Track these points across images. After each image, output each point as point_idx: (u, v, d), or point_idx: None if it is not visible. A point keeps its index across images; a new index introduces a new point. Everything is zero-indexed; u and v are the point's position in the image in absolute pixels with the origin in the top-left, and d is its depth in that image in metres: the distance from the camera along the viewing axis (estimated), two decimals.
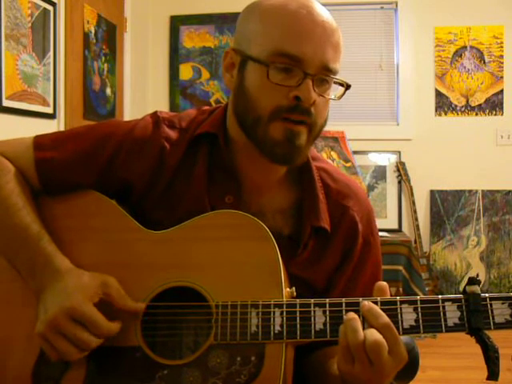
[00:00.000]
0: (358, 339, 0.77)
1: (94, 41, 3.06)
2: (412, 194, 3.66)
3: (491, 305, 0.80)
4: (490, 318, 0.80)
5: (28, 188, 0.98)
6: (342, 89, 0.95)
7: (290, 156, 0.92)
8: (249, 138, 0.94)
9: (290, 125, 0.90)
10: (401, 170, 3.69)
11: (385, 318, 0.79)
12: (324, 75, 0.90)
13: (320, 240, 0.98)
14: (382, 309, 0.81)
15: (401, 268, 3.22)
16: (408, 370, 1.11)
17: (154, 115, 1.03)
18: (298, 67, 0.88)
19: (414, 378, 1.12)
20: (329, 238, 0.98)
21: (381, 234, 3.81)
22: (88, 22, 2.97)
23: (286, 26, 0.89)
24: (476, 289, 0.81)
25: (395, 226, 3.71)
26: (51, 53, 2.56)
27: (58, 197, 0.99)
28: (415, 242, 3.54)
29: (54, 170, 0.98)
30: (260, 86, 0.90)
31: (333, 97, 0.94)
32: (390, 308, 0.82)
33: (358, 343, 0.77)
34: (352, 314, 0.80)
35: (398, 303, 0.82)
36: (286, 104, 0.89)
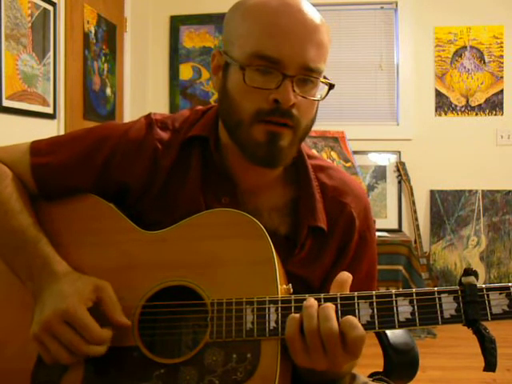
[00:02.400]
0: (313, 325, 0.78)
1: (94, 41, 3.06)
2: (412, 194, 3.66)
3: (488, 295, 0.80)
4: (487, 308, 0.79)
5: (26, 193, 0.99)
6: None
7: (272, 158, 0.91)
8: (233, 141, 0.94)
9: (272, 127, 0.89)
10: (401, 170, 3.69)
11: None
12: (304, 75, 0.88)
13: (317, 239, 0.98)
14: (377, 302, 0.81)
15: (401, 268, 3.22)
16: (408, 369, 1.11)
17: (148, 117, 1.03)
18: (277, 69, 0.86)
19: (414, 377, 1.12)
20: (326, 237, 0.98)
21: (381, 234, 3.82)
22: (88, 22, 2.97)
23: (264, 26, 0.87)
24: (472, 279, 0.80)
25: (395, 226, 3.71)
26: (51, 53, 2.56)
27: (55, 201, 0.99)
28: (415, 242, 3.54)
29: (50, 175, 0.99)
30: (240, 89, 0.89)
31: (318, 97, 0.92)
32: (385, 301, 0.81)
33: (312, 329, 0.78)
34: (310, 301, 0.81)
35: (394, 296, 0.82)
36: (267, 107, 0.88)
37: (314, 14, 0.90)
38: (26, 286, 0.92)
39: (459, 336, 2.84)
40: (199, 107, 1.06)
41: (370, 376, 1.08)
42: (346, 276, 0.84)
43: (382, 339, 1.10)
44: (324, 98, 0.93)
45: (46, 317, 0.84)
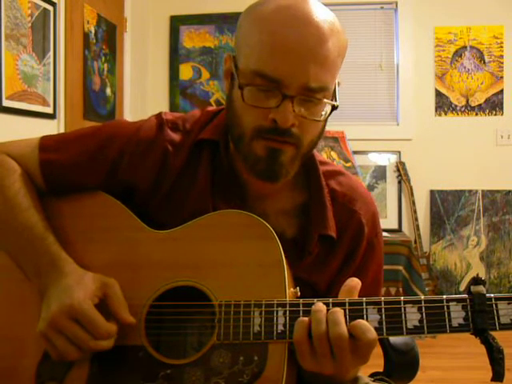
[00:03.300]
0: (322, 330, 0.78)
1: (94, 41, 3.06)
2: (412, 194, 3.66)
3: (496, 305, 0.80)
4: (496, 318, 0.79)
5: (34, 188, 0.99)
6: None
7: (272, 173, 0.89)
8: (236, 151, 0.94)
9: (273, 143, 0.87)
10: (401, 170, 3.69)
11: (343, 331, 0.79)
12: (306, 96, 0.85)
13: (325, 245, 0.98)
14: (385, 308, 0.81)
15: (401, 268, 3.22)
16: (408, 369, 1.12)
17: (159, 117, 1.02)
18: (277, 88, 0.83)
19: (414, 377, 1.12)
20: (334, 243, 0.98)
21: None
22: (88, 22, 2.97)
23: (267, 40, 0.84)
24: (481, 289, 0.80)
25: (395, 226, 3.71)
26: (51, 53, 2.56)
27: (64, 197, 0.99)
28: (415, 241, 3.54)
29: (58, 172, 0.98)
30: (241, 104, 0.87)
31: (322, 116, 0.88)
32: (393, 307, 0.81)
33: (321, 333, 0.78)
34: (319, 306, 0.81)
35: (402, 303, 0.82)
36: (266, 125, 0.86)
37: (322, 27, 0.84)
38: (33, 283, 0.92)
39: (459, 336, 2.83)
40: (210, 108, 1.05)
41: (371, 376, 1.08)
42: (354, 282, 0.83)
43: (383, 339, 1.10)
44: (326, 118, 0.89)
45: (52, 313, 0.84)
